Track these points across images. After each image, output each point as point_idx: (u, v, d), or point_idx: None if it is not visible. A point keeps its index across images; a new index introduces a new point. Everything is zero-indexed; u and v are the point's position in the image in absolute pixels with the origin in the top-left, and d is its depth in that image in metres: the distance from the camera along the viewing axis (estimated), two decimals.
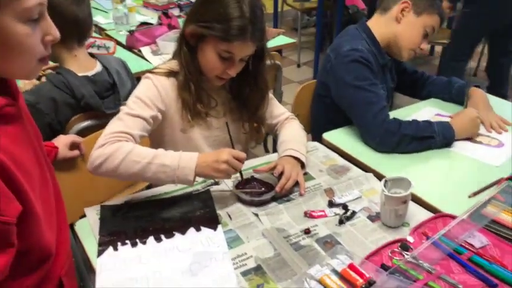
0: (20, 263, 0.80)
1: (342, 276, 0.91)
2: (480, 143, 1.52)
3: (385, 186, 1.12)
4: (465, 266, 0.94)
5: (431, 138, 1.45)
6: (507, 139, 1.53)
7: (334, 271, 0.92)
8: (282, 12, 4.87)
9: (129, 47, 2.42)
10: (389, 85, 1.73)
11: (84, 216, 1.18)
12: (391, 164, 1.40)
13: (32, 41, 0.75)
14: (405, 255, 0.97)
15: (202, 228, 1.12)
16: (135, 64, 2.04)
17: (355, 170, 1.37)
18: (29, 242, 0.80)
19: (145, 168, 1.12)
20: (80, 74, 1.47)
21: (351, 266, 0.92)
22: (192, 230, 1.12)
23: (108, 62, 1.57)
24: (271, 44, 2.51)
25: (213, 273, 0.99)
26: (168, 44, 2.31)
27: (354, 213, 1.17)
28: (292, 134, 1.42)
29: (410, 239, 1.03)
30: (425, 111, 1.72)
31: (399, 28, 1.59)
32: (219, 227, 1.13)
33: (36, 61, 0.78)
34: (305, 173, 1.34)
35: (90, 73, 1.50)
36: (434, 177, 1.34)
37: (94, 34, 2.48)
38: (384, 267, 0.94)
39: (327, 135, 1.56)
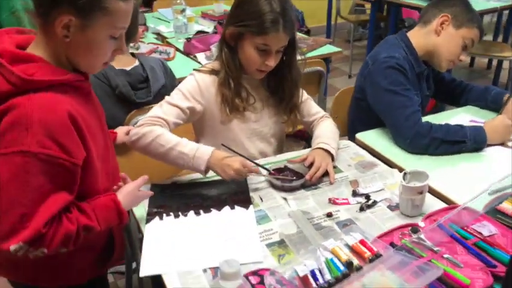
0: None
1: (352, 249, 1.02)
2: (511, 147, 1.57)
3: (404, 177, 1.23)
4: (468, 249, 1.03)
5: (463, 142, 1.52)
6: None
7: (347, 245, 1.04)
8: (336, 24, 4.97)
9: (187, 53, 2.63)
10: (424, 93, 1.81)
11: None
12: (418, 164, 1.47)
13: (107, 52, 1.02)
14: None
15: (236, 207, 1.27)
16: (190, 68, 2.23)
17: (382, 166, 1.47)
18: (85, 187, 1.05)
19: (168, 152, 1.33)
20: (117, 68, 1.69)
21: (362, 242, 1.03)
22: (227, 208, 1.27)
23: (145, 60, 1.80)
24: (318, 52, 2.64)
25: (242, 242, 1.14)
26: None
27: (375, 202, 1.28)
28: (325, 130, 1.55)
29: (421, 224, 1.12)
30: (460, 117, 1.78)
31: (439, 40, 1.68)
32: (251, 207, 1.27)
33: (102, 64, 1.05)
34: (334, 166, 1.45)
35: (127, 68, 1.73)
36: (458, 175, 1.41)
37: (156, 41, 2.75)
38: (393, 245, 1.04)
39: (360, 135, 1.67)
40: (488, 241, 1.05)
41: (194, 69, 1.51)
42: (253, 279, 0.95)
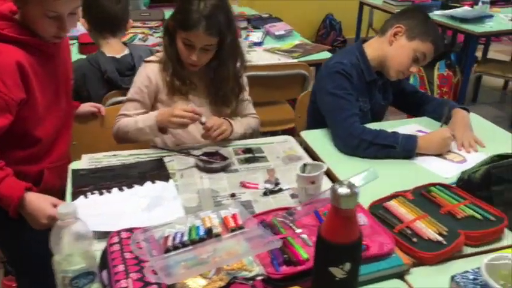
0: (19, 141, 1.38)
1: (223, 220, 1.14)
2: (444, 158, 1.62)
3: (304, 168, 1.33)
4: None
5: (392, 147, 1.58)
6: (473, 158, 1.60)
7: (220, 217, 1.16)
8: (367, 37, 5.00)
9: None
10: (378, 101, 1.87)
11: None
12: (346, 164, 1.56)
13: (45, 27, 1.31)
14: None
15: (156, 181, 1.42)
16: None
17: (307, 160, 1.56)
18: (26, 126, 1.36)
19: (135, 134, 1.61)
20: (108, 55, 1.89)
21: (234, 216, 1.15)
22: (148, 183, 1.41)
23: (134, 49, 2.01)
24: (312, 57, 2.73)
25: (166, 210, 1.27)
26: None
27: (280, 189, 1.38)
28: (242, 119, 1.75)
29: (299, 208, 1.22)
30: (409, 126, 1.83)
31: (390, 50, 1.75)
32: (171, 180, 1.42)
33: (50, 36, 1.33)
34: (263, 157, 1.58)
35: (117, 55, 1.93)
36: (378, 180, 1.47)
37: None
38: (263, 223, 1.15)
39: (304, 133, 1.77)
40: None
41: (144, 61, 1.70)
42: (124, 234, 1.10)
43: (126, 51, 2.00)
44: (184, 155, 1.54)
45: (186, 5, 1.53)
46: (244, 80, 1.80)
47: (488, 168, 1.32)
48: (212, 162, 1.49)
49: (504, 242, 1.20)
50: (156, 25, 3.15)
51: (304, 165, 1.34)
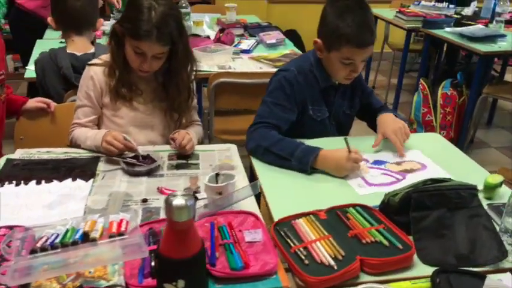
0: None
1: (109, 225, 1.12)
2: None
3: (216, 178, 1.29)
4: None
5: (287, 160, 1.51)
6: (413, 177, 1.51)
7: (106, 222, 1.13)
8: (382, 52, 4.87)
9: None
10: (340, 109, 1.80)
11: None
12: (275, 179, 1.49)
13: None
14: None
15: (78, 179, 1.42)
16: None
17: (240, 171, 1.51)
18: None
19: (87, 148, 1.58)
20: (69, 51, 1.91)
21: (120, 222, 1.12)
22: (68, 180, 1.41)
23: (100, 48, 2.02)
24: None
25: (66, 209, 1.26)
26: (202, 53, 2.67)
27: (196, 198, 1.34)
28: (193, 128, 1.72)
29: (195, 218, 1.17)
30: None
31: (323, 63, 1.69)
32: (91, 180, 1.41)
33: None
34: (196, 164, 1.55)
35: (79, 53, 1.95)
36: (314, 195, 1.41)
37: None
38: (150, 232, 1.12)
39: None
40: (237, 245, 1.09)
41: (87, 64, 1.69)
42: (2, 231, 1.09)
43: (92, 50, 2.01)
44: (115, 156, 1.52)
45: (136, 13, 1.50)
46: (194, 86, 1.77)
47: (409, 193, 1.24)
48: (135, 166, 1.46)
49: (413, 273, 1.11)
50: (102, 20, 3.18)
51: (217, 174, 1.30)
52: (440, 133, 3.51)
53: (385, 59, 5.26)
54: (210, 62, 2.64)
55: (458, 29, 3.60)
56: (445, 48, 4.76)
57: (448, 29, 3.67)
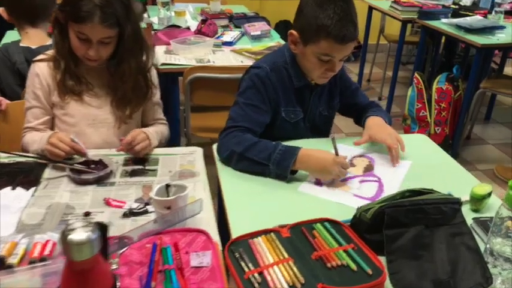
0: None
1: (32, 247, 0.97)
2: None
3: (166, 190, 1.14)
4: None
5: (265, 165, 1.36)
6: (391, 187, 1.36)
7: (30, 243, 0.99)
8: (378, 43, 4.69)
9: (153, 45, 2.66)
10: (317, 110, 1.65)
11: None
12: (239, 186, 1.35)
13: None
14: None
15: (18, 188, 1.27)
16: None
17: (202, 178, 1.37)
18: None
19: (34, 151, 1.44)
20: (22, 45, 1.76)
21: (45, 244, 0.98)
22: (7, 189, 1.27)
23: None
24: None
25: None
26: (180, 46, 2.51)
27: (145, 211, 1.20)
28: (156, 128, 1.58)
29: (135, 238, 1.03)
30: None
31: (298, 58, 1.52)
32: (32, 189, 1.27)
33: None
34: (153, 170, 1.40)
35: (34, 46, 1.79)
36: (268, 207, 1.27)
37: None
38: None
39: (216, 146, 1.56)
40: (179, 272, 0.94)
41: (32, 60, 1.54)
42: None
43: (49, 42, 1.86)
44: (59, 162, 1.38)
45: None
46: (154, 78, 1.62)
47: (382, 208, 1.09)
48: (82, 173, 1.32)
49: None
50: None
51: (167, 185, 1.15)
52: (434, 129, 3.35)
53: (381, 51, 5.09)
54: (189, 55, 2.48)
55: (455, 20, 3.42)
56: (443, 40, 4.59)
57: (444, 20, 3.50)
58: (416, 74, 3.47)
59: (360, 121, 1.71)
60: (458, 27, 3.29)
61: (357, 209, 1.15)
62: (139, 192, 1.28)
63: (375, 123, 1.57)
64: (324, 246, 1.07)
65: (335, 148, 1.36)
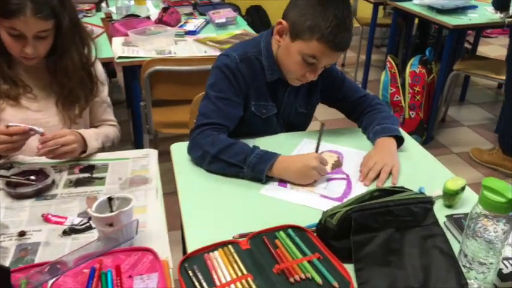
0: None
1: None
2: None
3: (110, 203, 1.02)
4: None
5: (239, 167, 1.25)
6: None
7: None
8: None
9: (110, 36, 2.51)
10: (288, 106, 1.52)
11: None
12: (199, 191, 1.23)
13: None
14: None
15: None
16: None
17: (150, 186, 1.25)
18: None
19: None
20: None
21: None
22: None
23: None
24: None
25: None
26: (139, 37, 2.36)
27: (89, 227, 1.08)
28: (98, 130, 1.45)
29: (70, 263, 0.91)
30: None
31: (279, 51, 1.38)
32: None
33: None
34: (93, 180, 1.27)
35: None
36: (231, 215, 1.15)
37: (96, 22, 2.66)
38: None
39: (174, 146, 1.44)
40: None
41: None
42: None
43: None
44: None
45: None
46: (100, 73, 1.49)
47: (348, 213, 0.99)
48: (19, 186, 1.19)
49: None
50: (87, 8, 2.85)
51: (110, 198, 1.03)
52: (409, 114, 3.28)
53: (354, 34, 4.99)
54: (148, 46, 2.35)
55: (428, 1, 3.34)
56: (416, 22, 4.51)
57: (416, 1, 3.42)
58: (389, 58, 3.39)
59: (354, 117, 1.59)
60: (430, 8, 3.22)
61: (322, 214, 1.05)
62: (84, 205, 1.16)
63: (381, 146, 1.41)
64: (286, 258, 0.97)
65: (318, 141, 1.29)
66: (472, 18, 3.09)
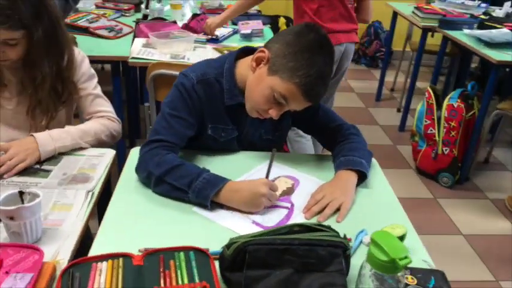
0: None
1: None
2: None
3: (21, 197, 1.04)
4: None
5: (184, 192, 1.19)
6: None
7: None
8: (404, 51, 4.40)
9: (137, 36, 2.59)
10: (251, 131, 1.46)
11: None
12: (135, 201, 1.22)
13: None
14: None
15: None
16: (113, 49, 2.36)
17: (87, 185, 1.25)
18: None
19: None
20: None
21: None
22: None
23: None
24: None
25: None
26: (159, 40, 2.41)
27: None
28: (85, 124, 1.49)
29: None
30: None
31: (250, 78, 1.32)
32: None
33: None
34: (47, 171, 1.29)
35: None
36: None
37: (127, 21, 2.76)
38: None
39: (133, 151, 1.44)
40: None
41: None
42: None
43: None
44: None
45: None
46: (85, 69, 1.52)
47: (245, 244, 0.93)
48: None
49: None
50: (126, 8, 2.96)
51: (21, 192, 1.04)
52: (442, 150, 3.07)
53: (407, 59, 4.78)
54: (166, 49, 2.38)
55: (478, 32, 3.12)
56: None
57: (466, 31, 3.20)
58: (428, 88, 3.20)
59: (330, 150, 1.49)
60: (479, 39, 3.00)
61: (230, 239, 0.99)
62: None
63: (339, 180, 1.32)
64: (171, 282, 0.93)
65: (269, 166, 1.22)
66: None
